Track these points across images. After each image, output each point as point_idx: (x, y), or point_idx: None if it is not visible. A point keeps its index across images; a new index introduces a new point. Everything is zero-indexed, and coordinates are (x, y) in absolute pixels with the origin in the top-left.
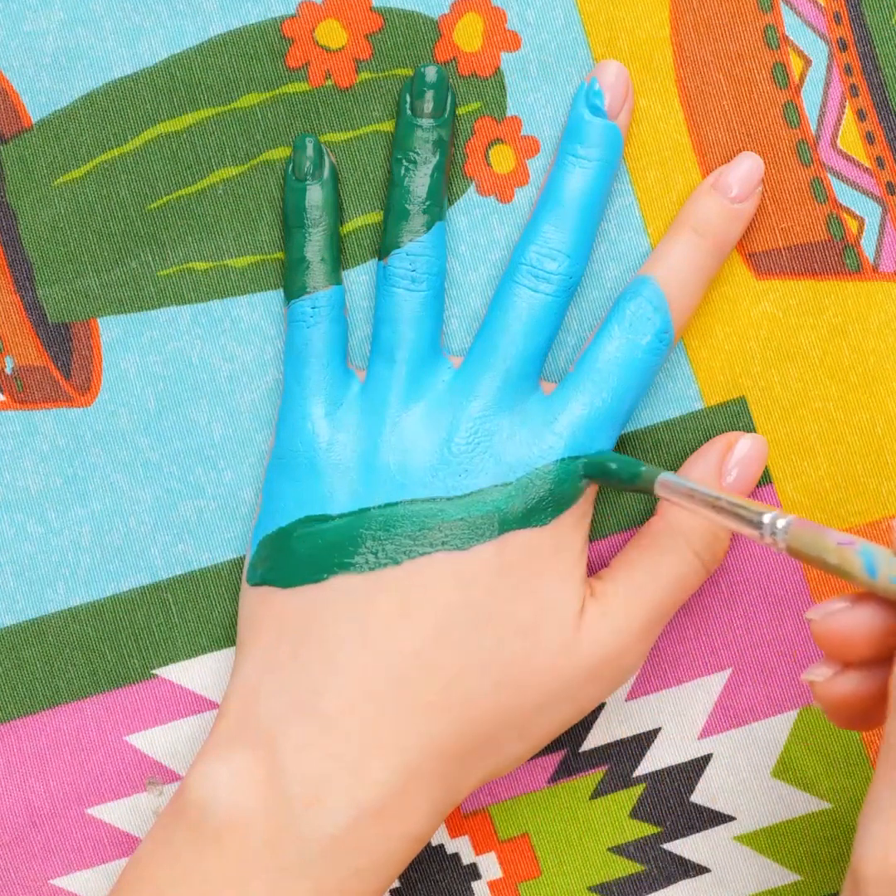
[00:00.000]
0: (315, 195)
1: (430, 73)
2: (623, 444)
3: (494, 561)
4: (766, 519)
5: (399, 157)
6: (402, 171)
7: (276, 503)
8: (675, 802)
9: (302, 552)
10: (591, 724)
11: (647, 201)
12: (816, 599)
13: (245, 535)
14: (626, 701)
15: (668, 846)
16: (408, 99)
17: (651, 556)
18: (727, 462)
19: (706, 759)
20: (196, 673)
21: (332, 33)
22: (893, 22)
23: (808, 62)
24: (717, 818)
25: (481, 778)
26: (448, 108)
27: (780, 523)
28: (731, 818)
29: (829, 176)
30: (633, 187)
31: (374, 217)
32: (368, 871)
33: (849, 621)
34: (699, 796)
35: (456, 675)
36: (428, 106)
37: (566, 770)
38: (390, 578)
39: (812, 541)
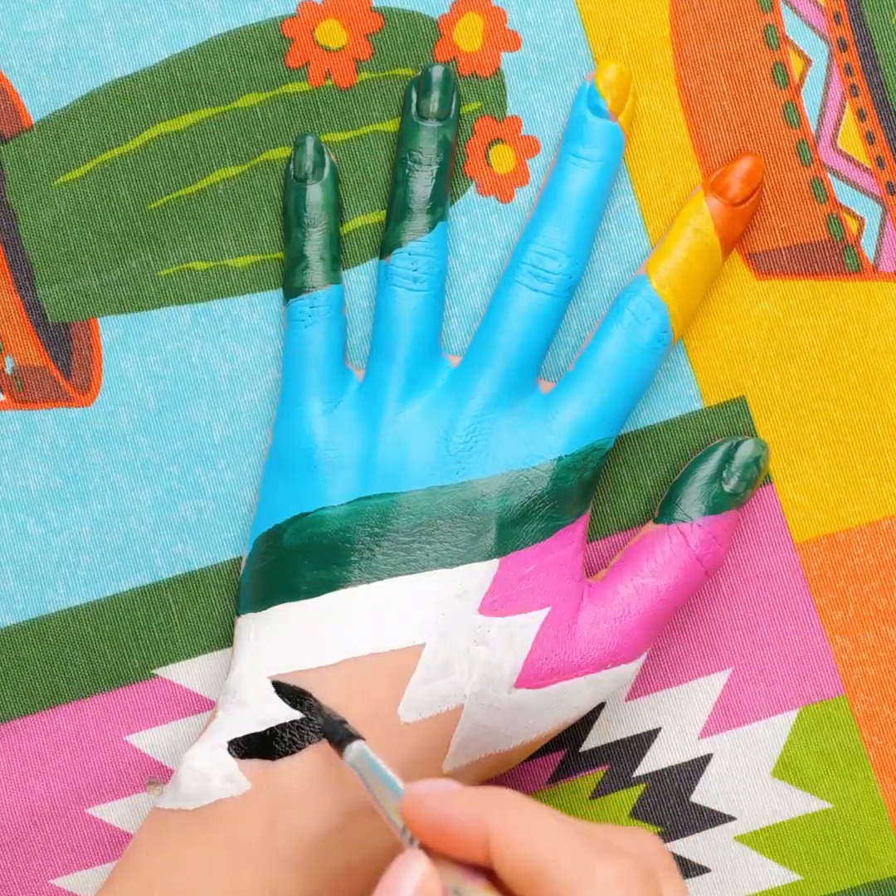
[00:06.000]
0: (315, 195)
1: (437, 72)
2: (623, 444)
3: (491, 564)
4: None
5: (403, 156)
6: (406, 171)
7: (273, 501)
8: (675, 802)
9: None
10: (591, 724)
11: (647, 201)
12: (816, 599)
13: (245, 535)
14: (626, 701)
15: (668, 846)
16: (413, 98)
17: (651, 557)
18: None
19: (706, 759)
20: (196, 673)
21: (332, 33)
22: (893, 22)
23: (808, 62)
24: (717, 818)
25: (478, 776)
26: (453, 109)
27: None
28: (731, 818)
29: (829, 176)
30: (633, 187)
31: (374, 217)
32: (360, 868)
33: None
34: (699, 796)
35: (449, 672)
36: (434, 106)
37: (566, 770)
38: (384, 575)
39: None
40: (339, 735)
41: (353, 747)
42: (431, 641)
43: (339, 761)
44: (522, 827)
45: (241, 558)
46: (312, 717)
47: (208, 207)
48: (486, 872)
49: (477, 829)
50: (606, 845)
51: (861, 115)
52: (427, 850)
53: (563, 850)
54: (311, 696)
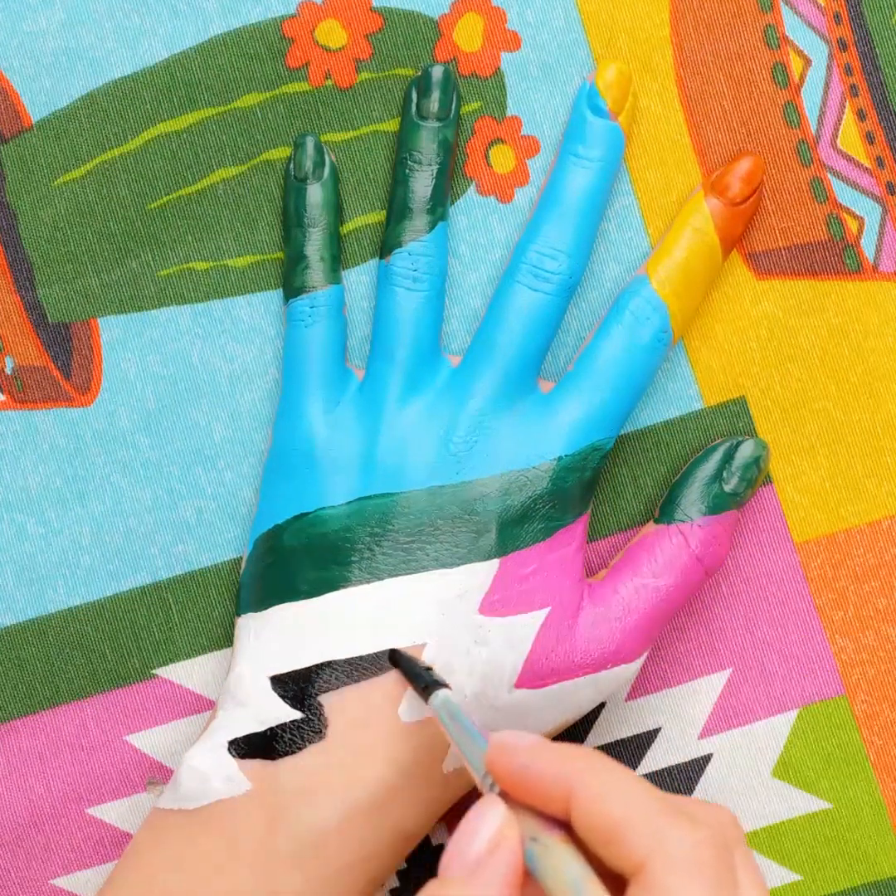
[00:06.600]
0: (315, 195)
1: (437, 72)
2: (623, 444)
3: (492, 564)
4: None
5: (403, 156)
6: (407, 171)
7: (272, 501)
8: None
9: (299, 563)
10: (591, 724)
11: (647, 201)
12: (816, 599)
13: (245, 535)
14: (626, 701)
15: None
16: (413, 98)
17: (651, 557)
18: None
19: (706, 759)
20: (196, 673)
21: (332, 33)
22: (893, 22)
23: (808, 62)
24: None
25: None
26: (453, 109)
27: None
28: None
29: (829, 176)
30: (633, 187)
31: (374, 217)
32: (359, 867)
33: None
34: (699, 796)
35: (450, 672)
36: (434, 106)
37: None
38: (384, 575)
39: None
40: (424, 681)
41: (440, 694)
42: (432, 641)
43: (348, 747)
44: (604, 787)
45: (241, 558)
46: (405, 668)
47: (208, 207)
48: (563, 825)
49: (560, 784)
50: (684, 813)
51: (861, 115)
52: (505, 797)
53: (642, 814)
54: (397, 650)
